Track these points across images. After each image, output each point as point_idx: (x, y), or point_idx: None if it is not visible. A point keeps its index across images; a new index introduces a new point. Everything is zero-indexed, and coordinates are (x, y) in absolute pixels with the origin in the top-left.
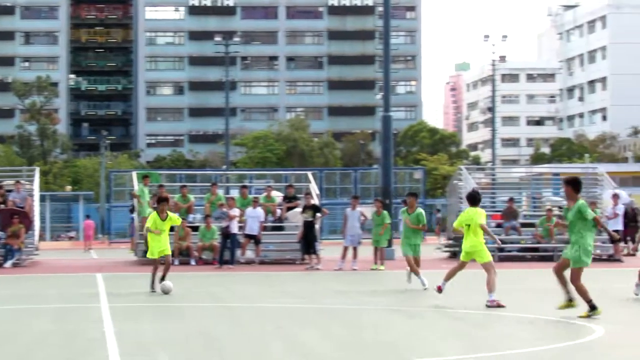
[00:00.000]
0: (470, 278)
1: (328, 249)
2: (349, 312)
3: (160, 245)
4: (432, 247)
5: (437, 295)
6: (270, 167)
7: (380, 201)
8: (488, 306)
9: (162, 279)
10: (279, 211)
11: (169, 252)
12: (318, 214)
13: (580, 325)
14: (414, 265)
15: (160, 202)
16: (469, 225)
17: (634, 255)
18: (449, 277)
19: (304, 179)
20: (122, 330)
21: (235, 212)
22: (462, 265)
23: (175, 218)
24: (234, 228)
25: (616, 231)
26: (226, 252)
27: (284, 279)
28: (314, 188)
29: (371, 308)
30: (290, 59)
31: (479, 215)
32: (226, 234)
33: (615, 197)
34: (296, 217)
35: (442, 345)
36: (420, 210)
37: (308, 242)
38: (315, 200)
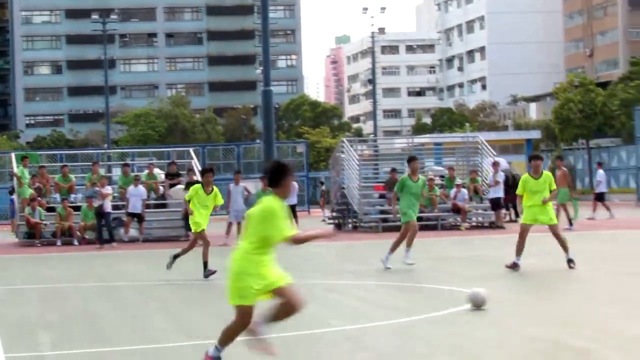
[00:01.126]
0: (351, 250)
1: (212, 225)
2: None
3: (199, 220)
4: (317, 220)
5: (317, 267)
6: (152, 144)
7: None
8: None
9: (205, 266)
10: (161, 188)
11: (205, 228)
12: None
13: (458, 292)
14: (410, 236)
15: (206, 173)
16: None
17: (515, 222)
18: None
19: (186, 155)
20: (4, 312)
21: (108, 190)
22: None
23: (219, 196)
24: (108, 207)
25: (497, 198)
26: (105, 230)
27: (169, 256)
28: (196, 164)
29: None
30: (169, 35)
31: None
32: (100, 212)
33: (495, 165)
34: (179, 194)
35: (324, 317)
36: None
37: None
38: (198, 177)
